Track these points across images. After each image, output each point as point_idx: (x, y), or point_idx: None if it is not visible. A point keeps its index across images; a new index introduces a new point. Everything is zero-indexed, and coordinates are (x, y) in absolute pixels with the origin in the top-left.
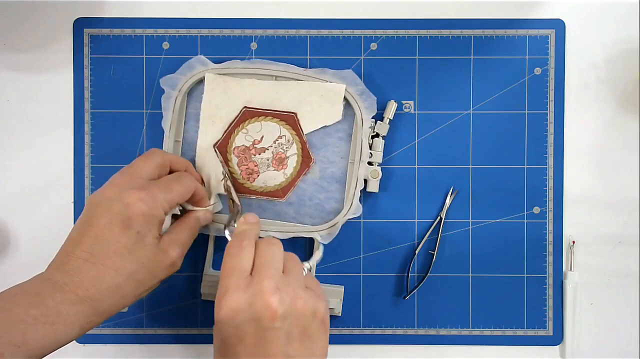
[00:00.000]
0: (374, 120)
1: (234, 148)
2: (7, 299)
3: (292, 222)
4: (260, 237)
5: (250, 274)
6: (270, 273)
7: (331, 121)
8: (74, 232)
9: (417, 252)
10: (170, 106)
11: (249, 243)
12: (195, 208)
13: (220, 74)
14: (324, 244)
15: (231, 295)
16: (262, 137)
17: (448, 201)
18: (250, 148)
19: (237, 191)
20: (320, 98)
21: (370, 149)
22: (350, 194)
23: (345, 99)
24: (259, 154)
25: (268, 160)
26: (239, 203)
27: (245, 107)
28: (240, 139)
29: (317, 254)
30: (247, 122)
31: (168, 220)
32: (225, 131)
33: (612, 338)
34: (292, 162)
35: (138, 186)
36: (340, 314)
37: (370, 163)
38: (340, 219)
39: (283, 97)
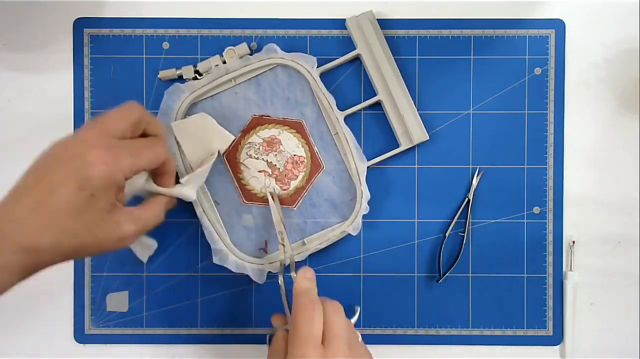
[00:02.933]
0: None
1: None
2: None
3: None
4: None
5: (322, 342)
6: (341, 347)
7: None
8: (28, 177)
9: (447, 235)
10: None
11: (318, 307)
12: (159, 189)
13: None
14: (360, 307)
15: None
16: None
17: (475, 181)
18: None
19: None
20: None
21: None
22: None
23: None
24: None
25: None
26: (291, 250)
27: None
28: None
29: (356, 316)
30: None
31: (137, 184)
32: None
33: (612, 338)
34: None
35: (105, 145)
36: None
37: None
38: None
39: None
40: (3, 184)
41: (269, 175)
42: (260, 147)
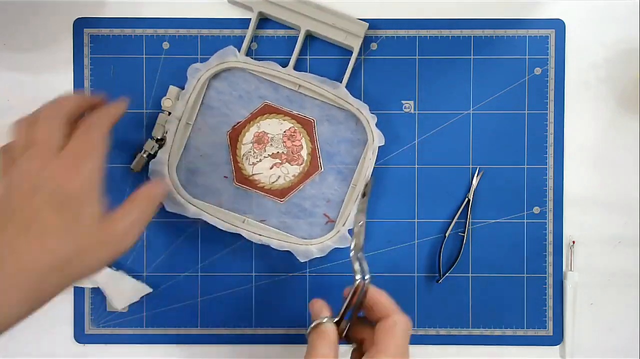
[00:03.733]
0: None
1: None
2: None
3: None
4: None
5: None
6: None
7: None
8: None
9: (447, 235)
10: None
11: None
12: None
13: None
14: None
15: None
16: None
17: (475, 181)
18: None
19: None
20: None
21: None
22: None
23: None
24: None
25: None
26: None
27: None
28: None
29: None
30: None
31: None
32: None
33: (612, 338)
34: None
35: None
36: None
37: None
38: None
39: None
40: None
41: (281, 164)
42: (253, 149)
